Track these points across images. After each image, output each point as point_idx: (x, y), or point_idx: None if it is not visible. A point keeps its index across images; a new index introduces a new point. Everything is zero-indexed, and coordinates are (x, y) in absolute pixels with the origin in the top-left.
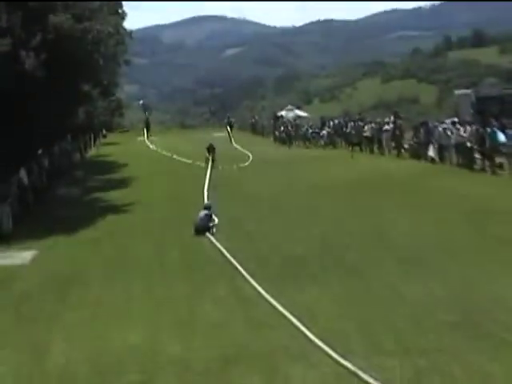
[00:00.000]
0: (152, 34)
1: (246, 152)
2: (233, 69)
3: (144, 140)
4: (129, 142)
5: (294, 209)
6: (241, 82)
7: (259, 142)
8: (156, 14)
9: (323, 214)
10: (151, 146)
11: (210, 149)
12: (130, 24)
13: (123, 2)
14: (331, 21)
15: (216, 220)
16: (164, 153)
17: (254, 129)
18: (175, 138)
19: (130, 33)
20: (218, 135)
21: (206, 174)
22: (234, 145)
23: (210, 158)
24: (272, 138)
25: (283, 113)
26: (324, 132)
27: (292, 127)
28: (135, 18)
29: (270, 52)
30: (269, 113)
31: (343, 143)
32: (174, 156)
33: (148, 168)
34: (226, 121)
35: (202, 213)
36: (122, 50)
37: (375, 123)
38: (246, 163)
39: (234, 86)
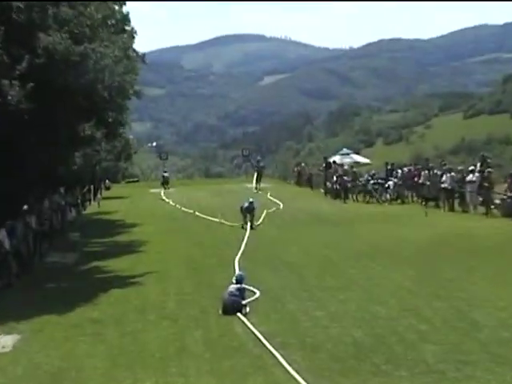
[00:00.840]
0: (169, 57)
1: (287, 207)
2: (272, 101)
3: (159, 192)
4: (139, 196)
5: (349, 280)
6: (283, 118)
7: (306, 195)
8: (174, 33)
9: (388, 288)
10: (168, 201)
11: (248, 210)
12: (141, 46)
13: (132, 18)
14: (399, 40)
15: (258, 293)
16: (184, 209)
17: (300, 178)
18: (198, 190)
19: (143, 56)
20: (254, 186)
21: (242, 239)
22: (267, 196)
23: (248, 222)
24: (322, 191)
25: (337, 158)
26: (390, 183)
27: (348, 176)
28: (148, 38)
29: (320, 80)
30: (318, 158)
31: (415, 197)
32: (197, 213)
33: (163, 229)
34: (254, 164)
35: (233, 287)
36: (131, 78)
37: (456, 172)
38: (287, 221)
39: (273, 123)
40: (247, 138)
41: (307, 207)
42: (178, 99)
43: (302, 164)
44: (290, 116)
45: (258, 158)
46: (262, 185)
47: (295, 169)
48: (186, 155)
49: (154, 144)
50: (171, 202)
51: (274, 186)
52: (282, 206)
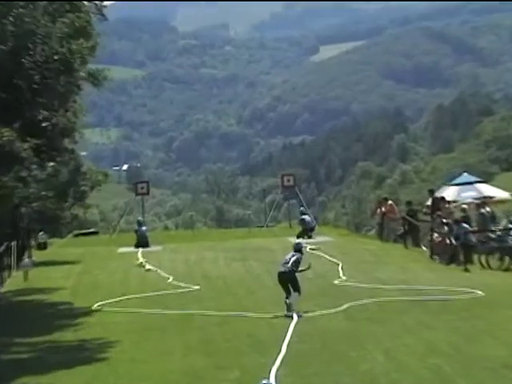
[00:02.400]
0: (153, 12)
1: (363, 278)
2: (335, 91)
3: (135, 253)
4: (99, 259)
5: None
6: (354, 120)
7: (395, 255)
8: None
9: None
10: (149, 268)
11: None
12: None
13: None
14: None
15: None
16: (178, 283)
17: (385, 227)
18: (205, 250)
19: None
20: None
21: (283, 337)
22: (329, 259)
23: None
24: (426, 248)
25: (451, 191)
26: None
27: (472, 223)
28: None
29: (420, 52)
30: (419, 191)
31: None
32: (201, 288)
33: (142, 319)
34: (301, 215)
35: None
36: (83, 48)
37: None
38: (364, 303)
39: (337, 129)
40: (291, 155)
41: (397, 278)
42: (167, 87)
43: (390, 202)
44: (367, 116)
45: (302, 209)
46: (320, 238)
47: (377, 210)
48: (182, 187)
49: (125, 167)
50: (157, 271)
51: (338, 242)
52: (341, 265)
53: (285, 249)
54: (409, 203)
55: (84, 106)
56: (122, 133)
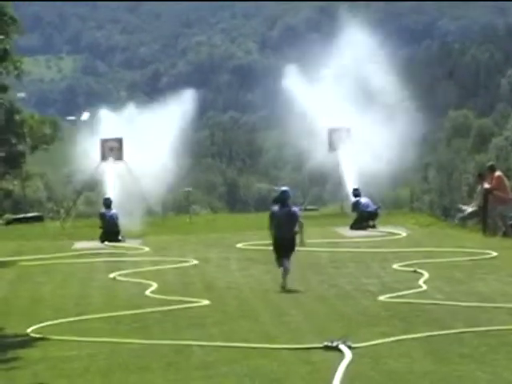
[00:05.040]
0: None
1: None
2: None
3: (100, 252)
4: (43, 260)
5: None
6: (442, 44)
7: (507, 259)
8: None
9: None
10: (122, 275)
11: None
12: None
13: None
14: None
15: None
16: (167, 297)
17: (486, 212)
18: (208, 247)
19: None
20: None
21: None
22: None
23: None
24: None
25: None
26: None
27: None
28: None
29: None
30: None
31: None
32: (204, 305)
33: (109, 353)
34: (354, 196)
35: None
36: None
37: None
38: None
39: (412, 60)
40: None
41: (509, 293)
42: None
43: (498, 172)
44: (464, 39)
45: (354, 187)
46: (388, 229)
47: (479, 187)
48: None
49: (85, 117)
50: (138, 280)
51: (416, 236)
52: (420, 271)
53: (333, 244)
54: None
55: (20, 22)
56: (81, 63)
